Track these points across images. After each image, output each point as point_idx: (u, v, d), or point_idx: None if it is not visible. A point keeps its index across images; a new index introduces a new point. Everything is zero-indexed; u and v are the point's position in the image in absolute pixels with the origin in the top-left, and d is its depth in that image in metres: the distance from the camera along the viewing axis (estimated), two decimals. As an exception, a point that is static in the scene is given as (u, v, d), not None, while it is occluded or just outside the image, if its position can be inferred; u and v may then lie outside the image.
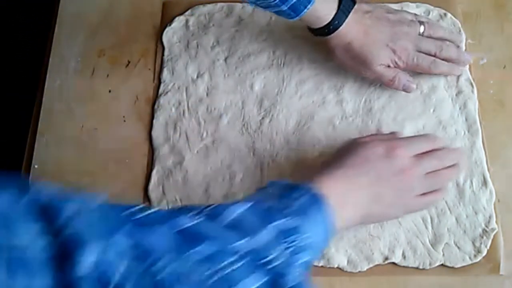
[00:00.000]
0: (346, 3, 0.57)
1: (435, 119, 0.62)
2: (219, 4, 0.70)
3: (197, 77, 0.65)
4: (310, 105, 0.63)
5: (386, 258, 0.55)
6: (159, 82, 0.65)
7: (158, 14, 0.70)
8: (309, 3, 0.54)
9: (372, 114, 0.62)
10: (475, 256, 0.55)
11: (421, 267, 0.55)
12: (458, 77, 0.64)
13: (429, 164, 0.51)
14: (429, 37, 0.61)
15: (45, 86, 0.65)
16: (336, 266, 0.55)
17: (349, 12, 0.57)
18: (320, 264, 0.55)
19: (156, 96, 0.64)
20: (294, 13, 0.55)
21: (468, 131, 0.61)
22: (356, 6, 0.58)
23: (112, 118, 0.64)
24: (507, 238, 0.56)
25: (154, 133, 0.62)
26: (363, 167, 0.49)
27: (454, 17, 0.68)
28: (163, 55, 0.67)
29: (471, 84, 0.64)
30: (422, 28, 0.60)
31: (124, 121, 0.64)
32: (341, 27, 0.57)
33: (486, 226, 0.56)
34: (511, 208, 0.58)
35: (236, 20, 0.69)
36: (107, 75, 0.66)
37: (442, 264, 0.55)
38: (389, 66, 0.60)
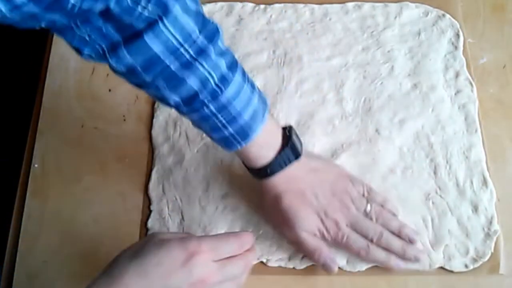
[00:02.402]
0: (286, 154, 0.51)
1: (434, 118, 0.62)
2: (219, 4, 0.70)
3: (197, 76, 0.65)
4: (310, 104, 0.63)
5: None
6: (159, 82, 0.65)
7: (158, 14, 0.70)
8: (243, 140, 0.48)
9: (372, 113, 0.62)
10: (476, 261, 0.55)
11: (421, 269, 0.55)
12: (457, 76, 0.64)
13: (229, 272, 0.44)
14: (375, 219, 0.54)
15: (45, 85, 0.65)
16: (335, 266, 0.55)
17: (286, 165, 0.51)
18: (320, 264, 0.55)
19: (156, 96, 0.64)
20: (227, 146, 0.50)
21: (467, 131, 0.61)
22: (301, 160, 0.52)
23: (112, 118, 0.64)
24: (507, 238, 0.56)
25: (154, 132, 0.62)
26: (155, 279, 0.41)
27: (453, 17, 0.68)
28: (163, 54, 0.67)
29: (471, 83, 0.64)
30: (368, 207, 0.54)
31: (124, 120, 0.64)
32: (273, 177, 0.51)
33: (489, 229, 0.56)
34: (511, 207, 0.58)
35: (236, 19, 0.69)
36: (107, 74, 0.66)
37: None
38: (315, 235, 0.53)
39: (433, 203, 0.58)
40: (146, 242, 0.43)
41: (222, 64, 0.45)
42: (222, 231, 0.57)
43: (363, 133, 0.61)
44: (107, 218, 0.58)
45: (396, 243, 0.53)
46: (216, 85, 0.45)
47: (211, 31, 0.44)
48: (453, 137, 0.61)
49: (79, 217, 0.58)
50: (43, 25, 0.39)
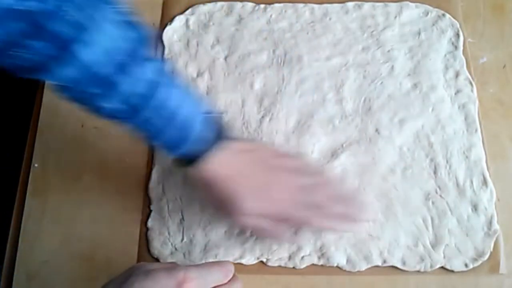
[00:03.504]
0: (210, 138, 0.50)
1: (434, 118, 0.62)
2: (219, 3, 0.70)
3: (197, 76, 0.65)
4: (310, 104, 0.63)
5: (385, 261, 0.55)
6: (159, 81, 0.65)
7: (158, 13, 0.70)
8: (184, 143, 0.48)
9: (372, 113, 0.62)
10: (476, 260, 0.55)
11: (422, 270, 0.55)
12: (457, 76, 0.64)
13: None
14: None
15: (45, 85, 0.65)
16: (335, 265, 0.55)
17: (218, 148, 0.49)
18: (320, 263, 0.55)
19: (156, 95, 0.64)
20: (171, 149, 0.50)
21: (467, 131, 0.61)
22: (232, 143, 0.51)
23: (112, 117, 0.64)
24: (507, 237, 0.56)
25: (154, 132, 0.62)
26: None
27: (454, 17, 0.68)
28: (163, 53, 0.67)
29: (471, 83, 0.64)
30: (309, 180, 0.53)
31: (124, 120, 0.63)
32: (205, 162, 0.49)
33: (488, 229, 0.56)
34: (511, 207, 0.58)
35: (236, 19, 0.69)
36: (107, 74, 0.66)
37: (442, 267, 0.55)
38: (256, 215, 0.51)
39: (433, 203, 0.58)
40: (131, 274, 0.41)
41: (148, 71, 0.45)
42: (222, 231, 0.57)
43: (363, 133, 0.61)
44: (107, 218, 0.58)
45: (337, 209, 0.52)
46: (144, 92, 0.45)
47: (135, 41, 0.44)
48: (453, 137, 0.61)
49: (79, 216, 0.58)
50: None
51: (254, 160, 0.53)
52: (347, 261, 0.55)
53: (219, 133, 0.50)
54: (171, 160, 0.53)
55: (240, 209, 0.50)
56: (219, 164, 0.50)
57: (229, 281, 0.45)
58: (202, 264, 0.45)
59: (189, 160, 0.50)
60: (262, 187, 0.51)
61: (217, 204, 0.52)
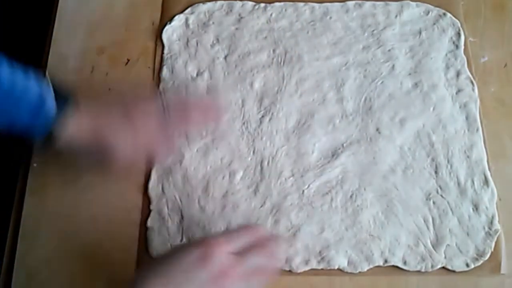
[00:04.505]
0: (62, 105, 0.50)
1: (435, 117, 0.62)
2: (219, 2, 0.70)
3: (197, 75, 0.65)
4: (310, 103, 0.63)
5: (386, 261, 0.55)
6: (159, 80, 0.65)
7: (158, 12, 0.70)
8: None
9: (372, 112, 0.62)
10: (477, 259, 0.55)
11: (423, 270, 0.55)
12: (458, 75, 0.64)
13: (251, 262, 0.45)
14: None
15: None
16: (336, 267, 0.55)
17: (71, 112, 0.50)
18: (321, 267, 0.55)
19: (156, 95, 0.64)
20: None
21: (469, 130, 0.61)
22: (82, 106, 0.52)
23: (112, 117, 0.63)
24: (508, 237, 0.56)
25: (154, 131, 0.62)
26: (178, 278, 0.42)
27: (454, 16, 0.68)
28: (162, 53, 0.67)
29: (472, 82, 0.64)
30: None
31: (124, 119, 0.63)
32: (66, 131, 0.50)
33: (489, 228, 0.56)
34: (513, 207, 0.58)
35: (236, 18, 0.69)
36: (107, 73, 0.66)
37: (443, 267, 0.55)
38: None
39: (434, 202, 0.57)
40: (167, 253, 0.45)
41: None
42: (221, 231, 0.57)
43: (363, 132, 0.61)
44: (107, 217, 0.58)
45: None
46: None
47: None
48: (454, 136, 0.61)
49: (78, 216, 0.58)
50: None
51: (110, 104, 0.54)
52: (349, 262, 0.55)
53: (67, 100, 0.51)
54: (39, 145, 0.54)
55: (115, 150, 0.52)
56: (76, 125, 0.51)
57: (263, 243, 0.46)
58: (229, 231, 0.48)
59: (51, 135, 0.50)
60: (124, 109, 0.53)
61: (98, 159, 0.54)
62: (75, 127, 0.51)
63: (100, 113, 0.53)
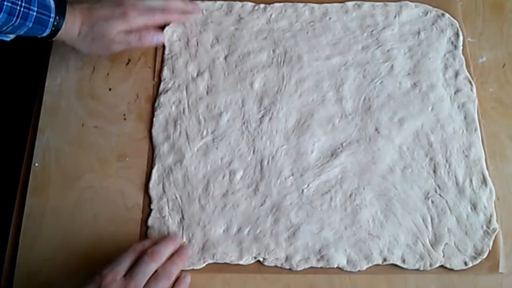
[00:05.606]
0: (59, 3, 0.58)
1: (433, 117, 0.62)
2: (219, 2, 0.70)
3: (197, 75, 0.65)
4: (310, 103, 0.63)
5: (385, 259, 0.56)
6: (159, 81, 0.65)
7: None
8: (51, 12, 0.57)
9: (371, 112, 0.63)
10: (475, 258, 0.55)
11: (421, 268, 0.55)
12: (457, 75, 0.64)
13: (143, 275, 0.50)
14: None
15: (46, 84, 0.65)
16: (336, 266, 0.56)
17: (65, 10, 0.58)
18: (320, 266, 0.56)
19: (156, 95, 0.65)
20: (42, 26, 0.57)
21: (467, 130, 0.61)
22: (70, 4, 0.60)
23: (113, 116, 0.64)
24: (506, 236, 0.57)
25: (154, 131, 0.62)
26: None
27: (453, 17, 0.68)
28: (163, 53, 0.67)
29: (470, 82, 0.64)
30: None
31: (125, 119, 0.64)
32: (64, 25, 0.58)
33: (488, 227, 0.57)
34: (511, 206, 0.58)
35: (235, 18, 0.69)
36: (108, 73, 0.66)
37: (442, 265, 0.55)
38: (127, 31, 0.62)
39: (432, 202, 0.58)
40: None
41: None
42: (221, 230, 0.57)
43: (362, 132, 0.62)
44: (107, 217, 0.58)
45: (177, 3, 0.67)
46: None
47: None
48: (452, 136, 0.61)
49: (79, 215, 0.58)
50: None
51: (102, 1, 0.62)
52: (348, 261, 0.55)
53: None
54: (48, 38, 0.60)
55: (111, 29, 0.60)
56: (74, 19, 0.59)
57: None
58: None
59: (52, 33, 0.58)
60: (115, 6, 0.61)
61: (97, 46, 0.62)
62: (71, 21, 0.59)
63: (93, 6, 0.61)
